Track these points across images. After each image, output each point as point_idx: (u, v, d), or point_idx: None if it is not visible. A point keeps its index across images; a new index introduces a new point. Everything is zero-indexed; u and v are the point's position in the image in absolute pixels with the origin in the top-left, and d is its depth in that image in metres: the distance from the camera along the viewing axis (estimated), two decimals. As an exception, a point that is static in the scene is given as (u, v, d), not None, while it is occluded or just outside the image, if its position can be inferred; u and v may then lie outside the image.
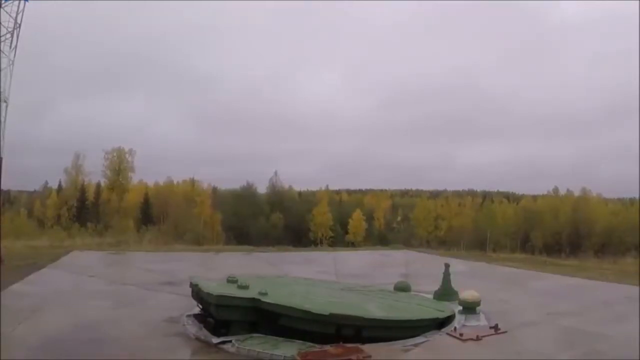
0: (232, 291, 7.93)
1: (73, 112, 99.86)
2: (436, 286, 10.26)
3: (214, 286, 8.19)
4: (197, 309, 8.61)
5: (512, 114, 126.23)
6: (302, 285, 10.24)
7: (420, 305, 9.14)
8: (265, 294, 7.66)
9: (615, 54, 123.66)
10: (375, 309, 8.34)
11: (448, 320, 8.52)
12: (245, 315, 7.59)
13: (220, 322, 7.56)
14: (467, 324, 8.39)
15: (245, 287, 8.11)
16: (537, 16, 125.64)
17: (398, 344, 7.50)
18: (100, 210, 68.40)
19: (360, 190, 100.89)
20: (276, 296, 7.80)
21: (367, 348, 6.84)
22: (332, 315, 7.27)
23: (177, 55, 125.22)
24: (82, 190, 68.66)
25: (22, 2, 15.42)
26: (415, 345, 7.37)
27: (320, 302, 8.02)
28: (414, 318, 8.12)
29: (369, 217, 74.86)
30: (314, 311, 7.27)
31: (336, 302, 8.36)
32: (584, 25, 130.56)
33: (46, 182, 79.32)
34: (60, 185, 72.31)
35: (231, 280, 8.56)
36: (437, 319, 8.34)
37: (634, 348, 7.12)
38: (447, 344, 7.43)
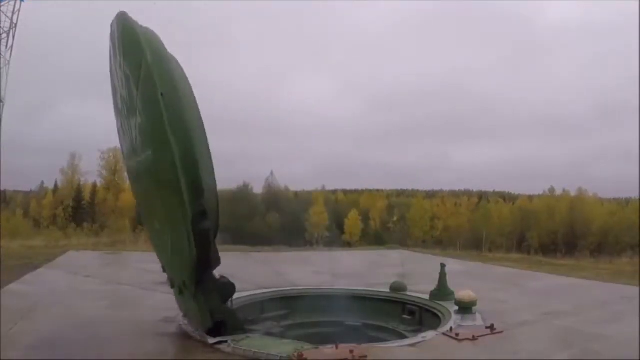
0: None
1: (70, 112, 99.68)
2: (432, 286, 10.26)
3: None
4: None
5: (508, 115, 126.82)
6: None
7: None
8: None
9: (609, 57, 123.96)
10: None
11: None
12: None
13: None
14: (464, 324, 8.40)
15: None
16: (532, 18, 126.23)
17: (394, 344, 7.56)
18: (96, 210, 68.32)
19: (356, 191, 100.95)
20: None
21: (363, 348, 6.84)
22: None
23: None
24: (78, 191, 68.59)
25: (18, 1, 15.43)
26: (412, 345, 7.38)
27: None
28: None
29: (365, 217, 75.02)
30: None
31: None
32: (578, 28, 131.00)
33: (42, 182, 79.36)
34: (56, 185, 72.27)
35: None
36: None
37: (630, 348, 7.14)
38: (443, 343, 7.44)
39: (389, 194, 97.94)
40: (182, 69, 6.89)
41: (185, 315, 8.02)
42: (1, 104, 14.49)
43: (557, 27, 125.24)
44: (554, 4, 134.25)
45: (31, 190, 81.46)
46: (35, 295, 10.27)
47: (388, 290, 10.96)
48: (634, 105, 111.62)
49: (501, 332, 7.88)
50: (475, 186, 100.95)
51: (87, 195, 69.92)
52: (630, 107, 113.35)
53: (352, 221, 72.53)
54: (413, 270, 15.05)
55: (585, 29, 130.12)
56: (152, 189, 7.12)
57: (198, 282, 7.12)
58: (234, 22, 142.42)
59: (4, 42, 15.17)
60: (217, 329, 7.40)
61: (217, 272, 8.21)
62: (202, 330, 7.45)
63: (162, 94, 6.23)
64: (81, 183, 69.88)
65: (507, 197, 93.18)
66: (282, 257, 19.24)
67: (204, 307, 7.28)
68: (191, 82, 6.89)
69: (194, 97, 6.91)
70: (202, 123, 6.94)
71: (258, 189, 76.59)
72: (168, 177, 6.47)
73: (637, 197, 69.03)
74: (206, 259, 6.92)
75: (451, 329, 7.96)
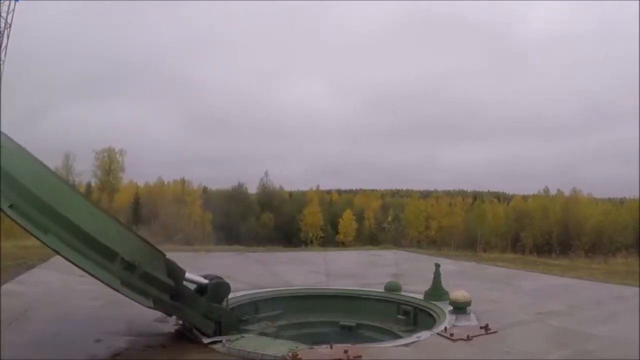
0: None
1: (65, 112, 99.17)
2: (427, 286, 10.28)
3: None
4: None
5: (502, 116, 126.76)
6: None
7: None
8: None
9: (598, 60, 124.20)
10: None
11: None
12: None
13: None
14: (458, 324, 8.42)
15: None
16: (524, 21, 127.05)
17: (389, 344, 7.57)
18: (90, 210, 68.06)
19: (350, 191, 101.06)
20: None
21: (358, 348, 6.85)
22: None
23: (169, 58, 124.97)
24: (73, 191, 68.32)
25: (12, 2, 15.35)
26: (406, 345, 7.39)
27: None
28: None
29: (360, 217, 75.12)
30: None
31: None
32: (569, 31, 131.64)
33: (37, 182, 78.93)
34: (50, 185, 71.92)
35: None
36: None
37: (624, 347, 7.18)
38: (438, 343, 7.45)
39: (384, 194, 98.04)
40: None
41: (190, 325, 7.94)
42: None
43: (548, 30, 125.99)
44: (543, 7, 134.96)
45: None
46: (30, 295, 10.24)
47: (382, 290, 10.97)
48: (625, 106, 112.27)
49: (495, 332, 7.90)
50: (470, 186, 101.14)
51: (81, 195, 69.66)
52: (623, 108, 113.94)
53: (347, 221, 72.63)
54: (407, 270, 15.05)
55: (575, 33, 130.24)
56: None
57: (178, 299, 7.27)
58: (231, 22, 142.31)
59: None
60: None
61: (212, 273, 8.23)
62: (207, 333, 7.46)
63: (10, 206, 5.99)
64: (75, 183, 69.64)
65: (501, 197, 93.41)
66: (276, 257, 19.21)
67: (197, 316, 7.41)
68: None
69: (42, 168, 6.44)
70: (68, 190, 6.78)
71: (253, 189, 76.76)
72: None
73: (631, 197, 69.45)
74: (165, 287, 7.07)
75: (445, 329, 7.98)
